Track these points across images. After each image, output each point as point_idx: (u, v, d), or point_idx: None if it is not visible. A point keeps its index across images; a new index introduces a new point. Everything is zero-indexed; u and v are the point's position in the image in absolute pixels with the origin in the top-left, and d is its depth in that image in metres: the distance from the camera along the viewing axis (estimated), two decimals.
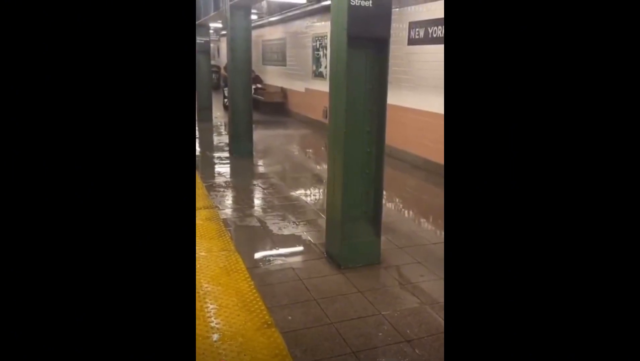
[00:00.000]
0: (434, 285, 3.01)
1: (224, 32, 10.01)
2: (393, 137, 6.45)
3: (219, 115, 11.32)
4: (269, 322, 2.47)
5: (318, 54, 9.72)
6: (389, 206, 4.75)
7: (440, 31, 5.74)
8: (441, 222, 4.33)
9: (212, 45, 12.39)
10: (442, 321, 2.57)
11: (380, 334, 2.44)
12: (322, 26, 9.32)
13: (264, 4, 9.88)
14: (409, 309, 2.70)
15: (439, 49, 5.77)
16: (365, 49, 2.98)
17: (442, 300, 2.82)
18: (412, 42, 6.35)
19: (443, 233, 4.08)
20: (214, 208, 4.44)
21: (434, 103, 5.95)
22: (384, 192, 4.89)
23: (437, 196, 5.10)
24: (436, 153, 5.95)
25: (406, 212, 4.69)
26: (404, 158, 6.60)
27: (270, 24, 12.37)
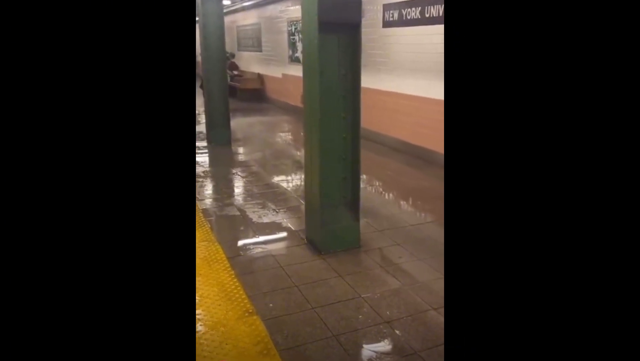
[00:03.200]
0: (413, 266, 3.07)
1: (196, 19, 9.78)
2: (372, 120, 6.47)
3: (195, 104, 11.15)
4: (250, 310, 2.49)
5: (294, 39, 9.61)
6: (369, 190, 4.78)
7: (414, 13, 5.73)
8: (420, 203, 4.38)
9: None
10: (422, 301, 2.62)
11: (361, 317, 2.48)
12: (296, 10, 9.21)
13: None
14: (389, 291, 2.75)
15: (414, 30, 5.77)
16: (337, 33, 2.96)
17: (421, 279, 2.87)
18: (387, 24, 6.33)
19: (422, 214, 4.13)
20: None
21: (411, 85, 5.97)
22: (364, 176, 4.93)
23: (416, 178, 5.16)
24: (415, 136, 6.00)
25: (386, 195, 4.74)
26: (383, 141, 6.63)
27: (244, 9, 12.16)
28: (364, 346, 2.27)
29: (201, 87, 7.51)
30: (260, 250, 3.35)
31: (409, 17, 5.85)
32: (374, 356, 2.18)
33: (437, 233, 3.65)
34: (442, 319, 2.45)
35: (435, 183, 4.89)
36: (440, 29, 5.30)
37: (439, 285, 2.79)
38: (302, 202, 4.19)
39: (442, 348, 2.22)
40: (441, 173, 5.20)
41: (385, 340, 2.30)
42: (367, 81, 5.74)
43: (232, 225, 3.85)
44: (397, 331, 2.35)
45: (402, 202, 4.50)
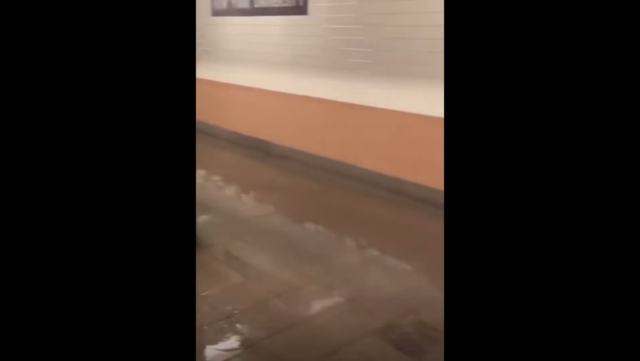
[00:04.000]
0: (255, 258, 3.04)
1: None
2: (205, 113, 6.24)
3: None
4: None
5: None
6: (207, 185, 4.61)
7: (242, 3, 5.68)
8: (260, 195, 4.38)
9: None
10: (264, 292, 2.61)
11: (199, 316, 2.36)
12: None
13: None
14: (230, 285, 2.68)
15: (243, 20, 5.72)
16: None
17: (263, 270, 2.86)
18: (216, 13, 6.16)
19: (262, 206, 4.14)
20: None
21: (241, 75, 5.93)
22: (201, 171, 4.73)
23: (255, 171, 5.16)
24: (249, 128, 5.98)
25: (225, 189, 4.63)
26: (218, 134, 6.46)
27: None
28: (205, 345, 2.16)
29: None
30: None
31: (238, 7, 5.78)
32: (216, 354, 2.10)
33: (278, 224, 3.69)
34: (283, 306, 2.48)
35: (274, 175, 4.95)
36: (270, 20, 5.35)
37: (281, 274, 2.82)
38: None
39: (284, 333, 2.24)
40: (279, 163, 5.29)
41: (226, 335, 2.23)
42: (198, 71, 5.51)
43: None
44: (238, 325, 2.30)
45: (242, 195, 4.44)
